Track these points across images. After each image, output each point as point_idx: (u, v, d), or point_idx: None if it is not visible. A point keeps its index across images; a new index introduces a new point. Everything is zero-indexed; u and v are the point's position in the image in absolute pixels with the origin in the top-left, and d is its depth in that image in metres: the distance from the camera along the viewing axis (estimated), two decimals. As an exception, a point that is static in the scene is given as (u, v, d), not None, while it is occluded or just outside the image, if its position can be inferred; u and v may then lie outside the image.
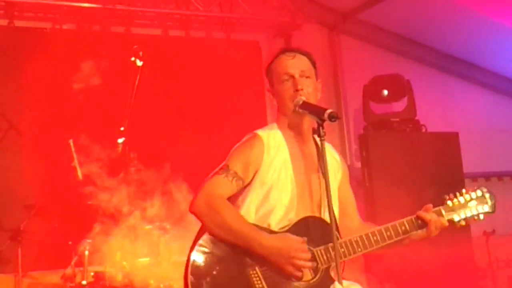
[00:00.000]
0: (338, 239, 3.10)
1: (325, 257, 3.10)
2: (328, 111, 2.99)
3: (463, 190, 3.35)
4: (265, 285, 3.03)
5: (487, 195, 3.37)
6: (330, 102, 7.87)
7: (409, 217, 3.25)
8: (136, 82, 5.76)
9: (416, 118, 7.79)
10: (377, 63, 8.27)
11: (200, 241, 3.06)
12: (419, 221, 3.24)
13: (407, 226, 3.23)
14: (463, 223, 3.30)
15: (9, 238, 5.82)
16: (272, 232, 3.12)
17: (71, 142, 5.86)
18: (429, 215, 3.23)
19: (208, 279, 3.00)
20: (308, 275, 3.09)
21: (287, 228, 3.15)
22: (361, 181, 7.43)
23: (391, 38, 8.58)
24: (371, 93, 7.82)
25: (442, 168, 7.06)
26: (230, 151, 3.31)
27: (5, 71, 6.65)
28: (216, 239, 3.06)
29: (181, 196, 5.78)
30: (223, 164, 3.22)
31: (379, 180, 7.11)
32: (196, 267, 3.01)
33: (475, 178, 8.34)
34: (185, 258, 3.09)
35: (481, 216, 3.33)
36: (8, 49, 6.73)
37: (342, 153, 8.10)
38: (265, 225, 3.15)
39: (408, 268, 6.30)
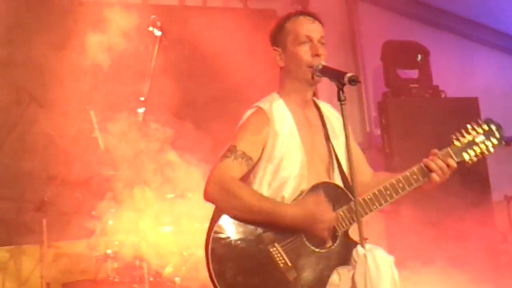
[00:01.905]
0: (352, 201, 3.10)
1: (342, 220, 3.11)
2: (348, 74, 2.96)
3: (468, 126, 3.27)
4: (287, 260, 3.03)
5: (493, 127, 3.30)
6: (348, 68, 7.81)
7: (418, 165, 3.21)
8: (155, 52, 5.77)
9: (435, 84, 7.75)
10: (395, 29, 8.21)
11: (216, 228, 3.03)
12: (427, 169, 3.21)
13: (418, 174, 3.19)
14: (474, 159, 3.23)
15: (34, 209, 5.89)
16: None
17: (92, 112, 5.89)
18: (433, 163, 3.18)
19: (230, 264, 2.99)
20: (328, 241, 3.10)
21: (300, 198, 3.13)
22: (381, 148, 7.43)
23: (409, 4, 8.51)
24: (390, 59, 7.77)
25: (463, 133, 7.02)
26: (236, 129, 3.25)
27: (23, 45, 6.67)
28: (230, 223, 3.04)
29: (202, 165, 5.81)
30: (230, 145, 3.16)
31: (399, 147, 7.11)
32: (216, 255, 2.99)
33: (503, 141, 8.29)
34: (206, 226, 3.11)
35: (491, 149, 3.26)
36: (27, 23, 6.76)
37: (361, 120, 8.10)
38: (279, 199, 3.14)
39: (428, 232, 6.31)
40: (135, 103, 5.76)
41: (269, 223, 3.01)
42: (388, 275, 2.90)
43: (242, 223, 3.03)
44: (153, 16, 5.82)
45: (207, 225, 3.11)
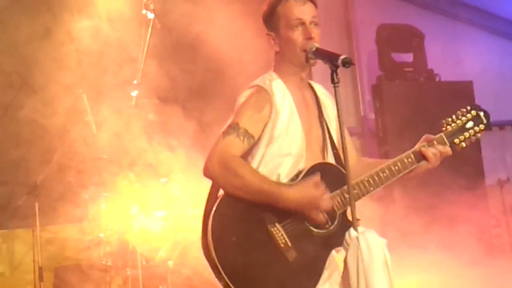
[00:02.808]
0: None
1: (340, 202, 3.11)
2: (342, 57, 2.94)
3: (458, 112, 3.38)
4: (287, 240, 3.02)
5: (481, 113, 3.40)
6: (343, 52, 7.78)
7: (414, 149, 3.30)
8: (148, 35, 5.75)
9: (430, 67, 7.74)
10: (389, 12, 8.18)
11: (216, 207, 3.01)
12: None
13: (413, 157, 3.27)
14: (463, 145, 3.35)
15: (26, 193, 5.89)
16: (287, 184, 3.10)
17: (84, 96, 5.87)
18: (429, 151, 3.26)
19: (231, 243, 2.98)
20: (327, 223, 3.10)
21: (299, 178, 3.13)
22: (375, 131, 7.42)
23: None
24: (384, 43, 7.75)
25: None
26: (236, 106, 3.22)
27: (15, 28, 6.62)
28: (230, 202, 3.02)
29: (197, 149, 5.80)
30: (231, 121, 3.13)
31: (393, 130, 7.11)
32: (217, 234, 2.97)
33: (490, 127, 8.30)
34: (199, 210, 3.09)
35: (479, 135, 3.38)
36: (16, 6, 6.70)
37: (356, 104, 8.08)
38: (274, 176, 3.13)
39: (421, 217, 6.32)
40: (128, 87, 5.74)
41: (268, 203, 2.99)
42: (380, 257, 2.90)
43: (243, 203, 3.01)
44: (146, -1, 5.79)
45: (200, 210, 3.10)
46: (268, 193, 2.99)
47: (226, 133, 3.09)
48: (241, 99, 3.23)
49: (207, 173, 3.07)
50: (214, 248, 2.95)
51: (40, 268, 5.72)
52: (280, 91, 3.23)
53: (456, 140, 3.32)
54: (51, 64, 6.39)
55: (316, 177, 3.01)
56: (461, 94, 7.40)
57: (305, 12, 3.25)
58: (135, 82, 5.70)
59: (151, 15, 5.74)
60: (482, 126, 3.38)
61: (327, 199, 3.03)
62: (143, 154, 5.64)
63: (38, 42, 6.48)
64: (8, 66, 6.47)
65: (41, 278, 5.69)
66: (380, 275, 2.89)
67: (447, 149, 3.29)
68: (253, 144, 3.15)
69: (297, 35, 3.21)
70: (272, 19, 3.29)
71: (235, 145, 3.06)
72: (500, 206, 7.55)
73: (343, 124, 3.00)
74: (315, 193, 2.98)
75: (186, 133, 5.86)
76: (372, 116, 7.75)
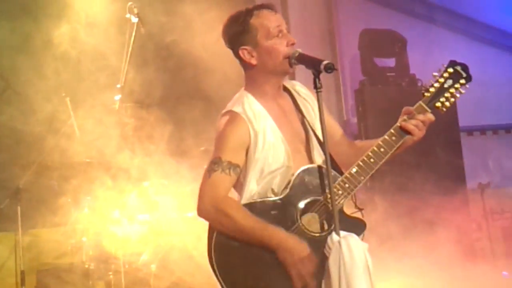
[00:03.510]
0: (337, 178, 3.09)
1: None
2: (325, 62, 2.95)
3: (435, 74, 3.22)
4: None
5: (458, 68, 3.23)
6: (326, 57, 7.81)
7: (395, 125, 3.19)
8: (132, 39, 5.75)
9: (412, 72, 7.79)
10: (372, 17, 8.23)
11: (216, 237, 3.04)
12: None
13: (396, 135, 3.16)
14: (447, 105, 3.19)
15: (9, 196, 5.87)
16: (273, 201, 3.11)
17: (67, 100, 5.87)
18: (409, 123, 3.14)
19: (237, 269, 3.03)
20: (325, 225, 3.09)
21: (288, 188, 3.11)
22: (357, 136, 7.46)
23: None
24: (367, 48, 7.79)
25: (438, 123, 7.01)
26: (215, 138, 3.18)
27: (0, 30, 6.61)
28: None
29: (179, 153, 5.81)
30: (213, 157, 3.11)
31: (375, 135, 7.07)
32: (222, 263, 3.02)
33: (471, 132, 8.38)
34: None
35: (462, 90, 3.21)
36: (4, 8, 6.69)
37: (338, 108, 8.12)
38: (269, 192, 3.13)
39: (402, 221, 6.36)
40: (111, 90, 5.74)
41: (258, 245, 3.01)
42: (362, 262, 2.90)
43: None
44: (130, 3, 5.81)
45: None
46: (259, 236, 3.00)
47: (211, 170, 3.07)
48: (218, 129, 3.19)
49: (201, 214, 3.09)
50: (223, 278, 3.00)
51: (22, 272, 5.72)
52: (254, 110, 3.19)
53: (438, 104, 3.17)
54: (32, 68, 6.38)
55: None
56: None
57: (280, 20, 3.23)
58: (118, 86, 5.70)
59: (135, 19, 5.75)
60: (462, 81, 3.20)
61: (307, 267, 3.00)
62: (125, 158, 5.64)
63: (19, 47, 6.47)
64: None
65: (23, 281, 5.68)
66: (362, 279, 2.89)
67: (429, 116, 3.16)
68: (241, 170, 3.14)
69: (280, 43, 3.18)
70: (246, 33, 3.20)
71: (223, 180, 3.06)
72: (481, 210, 7.61)
73: (325, 130, 3.00)
74: (301, 254, 2.99)
75: (168, 138, 5.87)
76: (354, 120, 7.80)
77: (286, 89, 3.37)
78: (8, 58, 6.45)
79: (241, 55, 3.23)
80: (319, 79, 2.97)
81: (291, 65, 3.18)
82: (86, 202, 5.66)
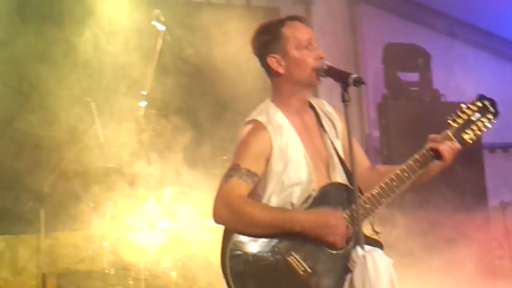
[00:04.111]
0: (360, 198, 3.08)
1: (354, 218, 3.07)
2: (353, 76, 2.96)
3: (462, 106, 3.23)
4: (306, 267, 3.00)
5: (486, 102, 3.25)
6: (349, 70, 7.81)
7: (420, 151, 3.18)
8: (158, 47, 5.79)
9: (436, 87, 7.77)
10: (396, 32, 8.23)
11: (231, 246, 2.99)
12: (431, 153, 3.17)
13: (421, 160, 3.16)
14: (474, 138, 3.20)
15: (32, 199, 5.92)
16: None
17: (93, 105, 5.91)
18: (441, 145, 3.14)
19: (251, 280, 2.97)
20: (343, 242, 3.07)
21: (309, 202, 3.10)
22: (379, 150, 7.45)
23: (410, 6, 8.53)
24: (391, 62, 7.79)
25: (460, 139, 7.05)
26: (236, 146, 3.17)
27: (25, 36, 6.67)
28: (245, 239, 3.00)
29: (202, 161, 5.83)
30: (232, 163, 3.09)
31: (397, 149, 7.14)
32: (236, 274, 2.97)
33: (493, 149, 8.33)
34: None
35: (488, 125, 3.23)
36: (30, 15, 6.77)
37: (360, 122, 8.12)
38: (288, 205, 3.11)
39: (424, 237, 6.33)
40: (134, 97, 5.78)
41: (282, 233, 2.98)
42: (386, 277, 2.91)
43: (255, 241, 3.00)
44: (156, 11, 5.84)
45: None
46: (279, 221, 2.98)
47: (228, 176, 3.05)
48: (240, 136, 3.19)
49: (216, 219, 3.05)
50: None
51: (43, 274, 5.76)
52: (279, 122, 3.19)
53: (465, 136, 3.19)
54: (55, 75, 6.44)
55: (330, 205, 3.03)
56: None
57: (311, 34, 3.24)
58: (144, 93, 5.74)
59: (161, 27, 5.79)
60: (490, 116, 3.22)
61: (343, 222, 3.01)
62: (145, 165, 5.67)
63: (43, 54, 6.54)
64: (19, 72, 6.51)
65: (44, 284, 5.71)
66: (386, 293, 2.91)
67: (456, 145, 3.16)
68: (259, 180, 3.12)
69: (309, 55, 3.19)
70: (277, 41, 3.22)
71: (239, 186, 3.03)
72: (502, 228, 7.55)
73: (352, 141, 3.02)
74: (329, 215, 2.99)
75: (188, 146, 5.90)
76: (376, 134, 7.79)
77: (311, 106, 3.36)
78: (32, 65, 6.51)
79: (269, 62, 3.23)
80: (347, 92, 2.98)
81: (318, 77, 3.18)
82: (108, 207, 5.68)
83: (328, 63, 3.19)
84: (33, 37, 6.53)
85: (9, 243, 6.30)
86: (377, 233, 3.14)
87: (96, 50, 6.24)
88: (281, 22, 3.24)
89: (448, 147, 3.15)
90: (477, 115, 3.22)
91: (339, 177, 3.24)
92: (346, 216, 3.06)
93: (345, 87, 2.99)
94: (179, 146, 5.83)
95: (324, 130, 3.31)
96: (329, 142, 3.29)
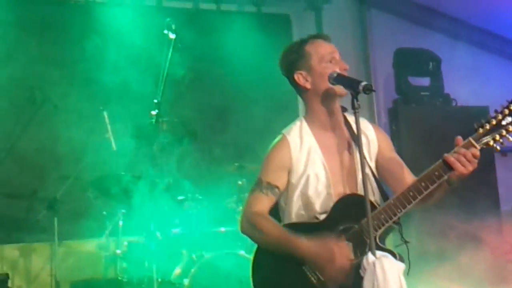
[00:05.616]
0: (374, 209, 3.15)
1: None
2: (363, 83, 3.02)
3: (494, 111, 3.14)
4: (319, 276, 3.12)
5: None
6: (360, 75, 7.86)
7: (439, 161, 3.10)
8: (169, 55, 5.81)
9: (446, 92, 7.76)
10: (407, 36, 8.22)
11: (255, 256, 3.31)
12: (445, 163, 3.09)
13: (439, 170, 3.09)
14: (501, 142, 3.09)
15: (46, 207, 5.96)
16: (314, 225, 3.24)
17: (105, 113, 5.95)
18: (452, 155, 3.06)
19: (271, 280, 3.21)
20: (358, 253, 3.15)
21: (327, 214, 3.24)
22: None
23: (421, 11, 8.52)
24: (401, 67, 7.79)
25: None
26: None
27: (37, 45, 6.73)
28: (265, 251, 3.27)
29: (213, 168, 5.85)
30: (257, 177, 3.36)
31: (408, 154, 7.11)
32: (260, 280, 3.24)
33: (505, 152, 8.31)
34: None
35: None
36: (40, 24, 6.82)
37: (371, 127, 8.11)
38: (312, 217, 3.27)
39: (435, 241, 6.32)
40: (148, 105, 5.79)
41: (286, 254, 3.15)
42: (395, 283, 2.94)
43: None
44: (168, 19, 5.86)
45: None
46: (286, 245, 3.15)
47: (252, 190, 3.34)
48: (268, 149, 3.42)
49: (242, 231, 3.35)
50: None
51: (57, 283, 5.80)
52: (302, 135, 3.36)
53: (490, 140, 3.09)
54: (69, 83, 6.49)
55: (339, 237, 3.13)
56: (477, 119, 7.34)
57: (333, 48, 3.40)
58: (155, 101, 5.75)
59: (172, 35, 5.81)
60: None
61: (344, 254, 3.08)
62: (159, 172, 5.68)
63: (55, 60, 6.59)
64: (32, 81, 6.55)
65: (58, 292, 5.75)
66: (395, 301, 2.93)
67: (473, 151, 3.07)
68: (282, 192, 3.34)
69: (332, 68, 3.31)
70: (302, 58, 3.38)
71: (260, 200, 3.28)
72: (515, 231, 7.52)
73: (361, 147, 3.10)
74: (335, 247, 3.07)
75: (201, 152, 5.93)
76: (387, 139, 7.77)
77: (347, 123, 3.45)
78: (45, 71, 6.56)
79: (296, 79, 3.40)
80: (357, 100, 3.05)
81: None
82: (121, 214, 5.71)
83: (338, 70, 3.26)
84: (46, 44, 6.61)
85: (23, 252, 6.35)
86: (406, 242, 3.22)
87: (105, 57, 6.26)
88: (304, 41, 3.43)
89: (460, 157, 3.06)
90: (509, 118, 3.10)
91: (370, 192, 3.28)
92: (350, 244, 3.16)
93: (355, 94, 3.05)
94: (191, 153, 5.85)
95: (359, 148, 3.27)
96: (359, 159, 3.26)
